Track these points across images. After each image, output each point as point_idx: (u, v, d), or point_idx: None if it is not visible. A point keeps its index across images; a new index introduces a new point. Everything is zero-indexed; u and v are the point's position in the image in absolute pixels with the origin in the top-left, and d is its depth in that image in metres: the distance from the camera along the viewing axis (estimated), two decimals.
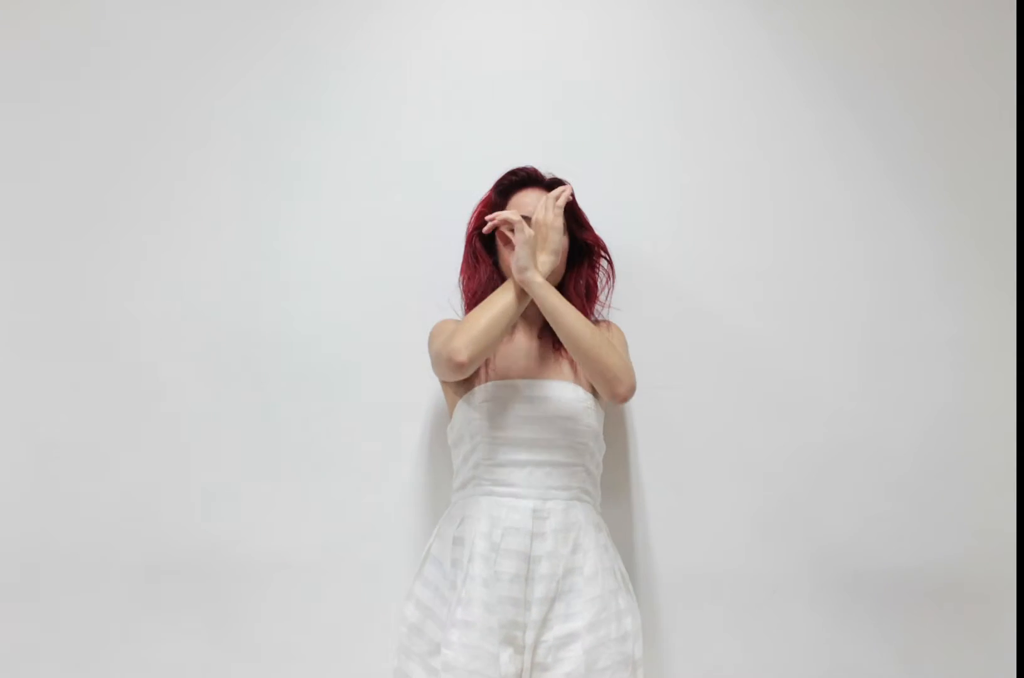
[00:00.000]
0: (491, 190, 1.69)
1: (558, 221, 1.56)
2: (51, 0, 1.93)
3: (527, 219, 1.59)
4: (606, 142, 1.91)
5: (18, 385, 1.87)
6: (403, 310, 1.85)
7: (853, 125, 1.92)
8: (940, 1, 1.95)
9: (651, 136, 1.91)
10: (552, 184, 1.66)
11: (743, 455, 1.85)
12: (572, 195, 1.61)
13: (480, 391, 1.59)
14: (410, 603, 1.61)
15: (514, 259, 1.53)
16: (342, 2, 1.94)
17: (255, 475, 1.84)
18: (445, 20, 1.93)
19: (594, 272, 1.71)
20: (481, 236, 1.67)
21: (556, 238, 1.56)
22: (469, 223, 1.70)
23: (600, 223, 1.71)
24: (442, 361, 1.53)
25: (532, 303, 1.57)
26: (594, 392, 1.63)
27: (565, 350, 1.61)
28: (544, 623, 1.52)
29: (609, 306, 1.75)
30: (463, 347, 1.48)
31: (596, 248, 1.70)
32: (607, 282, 1.73)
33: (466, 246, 1.70)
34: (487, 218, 1.57)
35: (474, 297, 1.66)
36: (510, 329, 1.56)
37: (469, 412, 1.59)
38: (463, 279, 1.70)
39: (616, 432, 1.81)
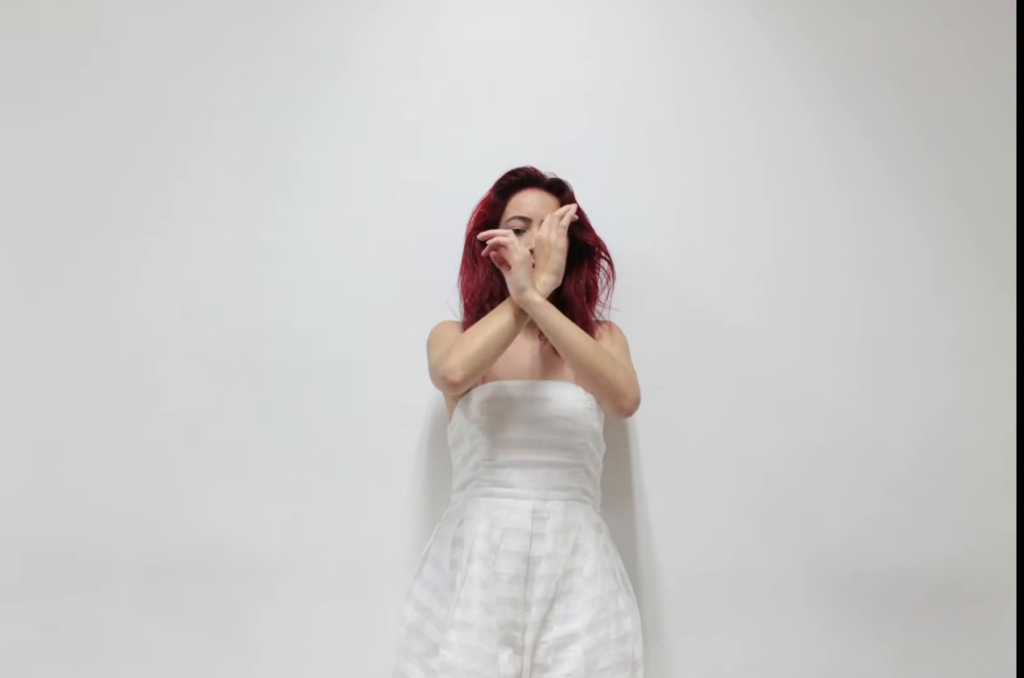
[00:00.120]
0: (491, 190, 1.68)
1: (561, 241, 1.55)
2: (51, 0, 1.93)
3: (524, 218, 1.59)
4: (606, 142, 1.91)
5: (18, 385, 1.87)
6: (403, 310, 1.85)
7: (852, 125, 1.92)
8: (940, 1, 1.95)
9: (651, 136, 1.91)
10: (552, 184, 1.66)
11: (743, 455, 1.85)
12: (578, 213, 1.61)
13: (480, 392, 1.59)
14: (409, 604, 1.61)
15: (511, 280, 1.52)
16: (342, 2, 1.94)
17: (255, 475, 1.84)
18: (445, 20, 1.93)
19: (594, 273, 1.71)
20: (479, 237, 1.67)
21: (558, 258, 1.55)
22: (469, 223, 1.69)
23: (600, 223, 1.71)
24: (436, 377, 1.53)
25: None
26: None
27: None
28: (544, 624, 1.52)
29: (609, 307, 1.75)
30: (458, 367, 1.48)
31: (596, 249, 1.70)
32: (607, 282, 1.73)
33: (465, 247, 1.70)
34: (480, 236, 1.56)
35: (472, 298, 1.66)
36: (507, 348, 1.54)
37: (469, 413, 1.59)
38: (462, 280, 1.70)
39: (616, 433, 1.81)
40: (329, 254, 1.89)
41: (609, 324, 1.73)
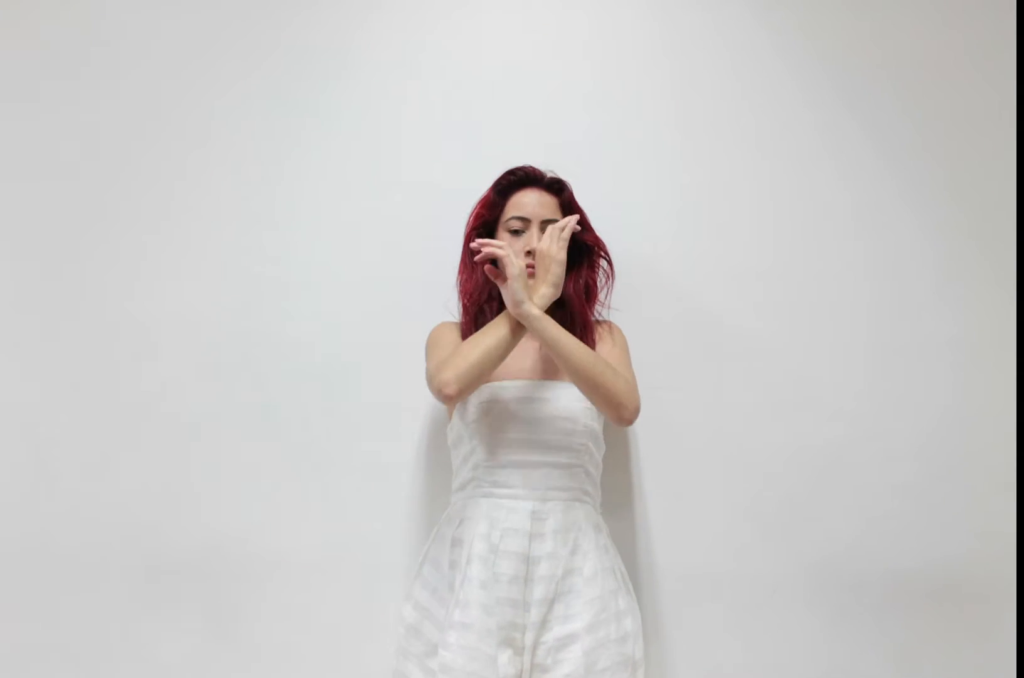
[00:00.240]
0: (490, 189, 1.68)
1: (561, 254, 1.53)
2: (51, 0, 1.93)
3: (523, 218, 1.59)
4: (606, 142, 1.91)
5: (18, 385, 1.87)
6: (403, 310, 1.85)
7: (853, 125, 1.92)
8: (940, 1, 1.95)
9: (651, 136, 1.91)
10: (551, 184, 1.65)
11: (743, 455, 1.85)
12: (578, 224, 1.61)
13: (479, 393, 1.58)
14: (408, 604, 1.61)
15: (507, 293, 1.51)
16: (342, 2, 1.94)
17: (255, 475, 1.84)
18: (445, 20, 1.93)
19: (593, 272, 1.70)
20: (479, 236, 1.65)
21: (557, 271, 1.53)
22: (468, 223, 1.69)
23: (600, 223, 1.71)
24: (432, 388, 1.52)
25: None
26: None
27: None
28: (543, 624, 1.52)
29: (608, 306, 1.75)
30: (452, 381, 1.48)
31: (596, 249, 1.69)
32: (606, 282, 1.72)
33: (464, 247, 1.69)
34: (473, 246, 1.55)
35: (471, 298, 1.66)
36: (504, 359, 1.54)
37: (468, 413, 1.59)
38: (460, 280, 1.69)
39: (616, 433, 1.81)
40: (329, 254, 1.89)
41: (609, 324, 1.72)
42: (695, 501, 1.84)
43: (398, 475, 1.84)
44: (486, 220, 1.66)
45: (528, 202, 1.63)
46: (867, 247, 1.90)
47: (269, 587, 1.83)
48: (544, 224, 1.62)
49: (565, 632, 1.51)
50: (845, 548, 1.84)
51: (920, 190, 1.91)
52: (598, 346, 1.65)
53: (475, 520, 1.56)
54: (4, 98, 1.92)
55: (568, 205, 1.66)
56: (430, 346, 1.64)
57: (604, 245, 1.70)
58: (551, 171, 1.68)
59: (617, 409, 1.52)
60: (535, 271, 1.56)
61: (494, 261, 1.56)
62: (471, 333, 1.62)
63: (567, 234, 1.54)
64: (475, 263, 1.66)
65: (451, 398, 1.50)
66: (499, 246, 1.51)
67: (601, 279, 1.72)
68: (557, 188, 1.66)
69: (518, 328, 1.53)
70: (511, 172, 1.66)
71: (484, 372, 1.50)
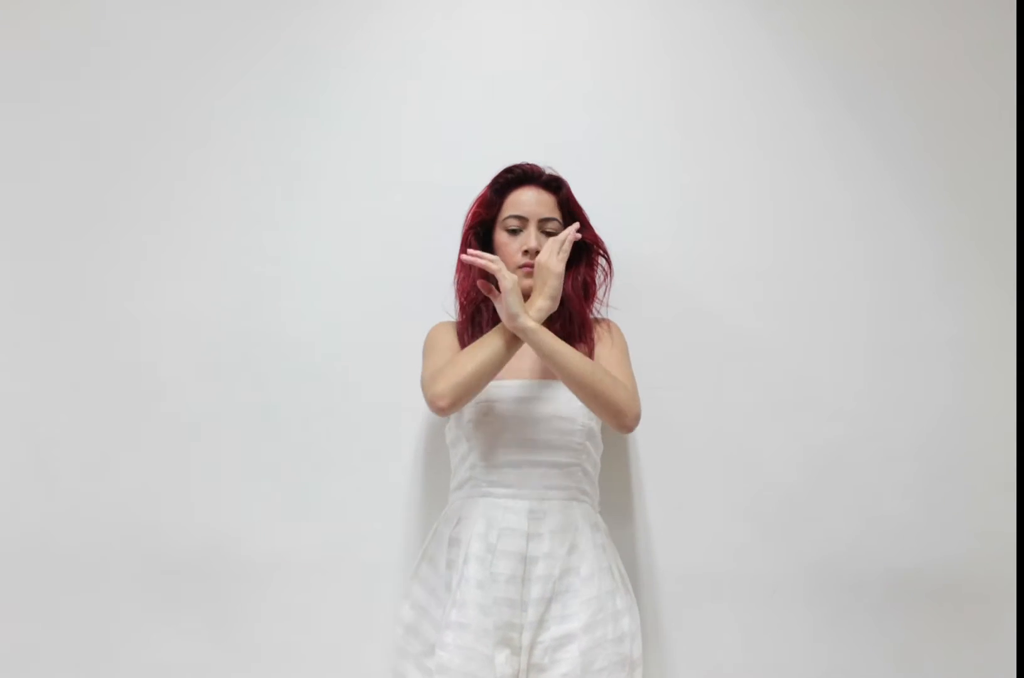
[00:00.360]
0: (487, 187, 1.67)
1: (560, 267, 1.51)
2: (51, 0, 1.93)
3: (520, 217, 1.59)
4: (606, 142, 1.91)
5: (18, 385, 1.87)
6: (403, 310, 1.85)
7: (853, 125, 1.92)
8: (940, 1, 1.95)
9: (651, 136, 1.91)
10: (549, 182, 1.65)
11: (743, 455, 1.85)
12: (577, 211, 1.60)
13: None
14: (406, 603, 1.61)
15: (502, 307, 1.49)
16: (342, 2, 1.93)
17: (254, 475, 1.84)
18: (445, 20, 1.93)
19: (592, 270, 1.70)
20: (476, 235, 1.65)
21: (555, 284, 1.51)
22: (465, 221, 1.68)
23: (599, 223, 1.70)
24: (426, 398, 1.52)
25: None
26: None
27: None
28: (540, 624, 1.52)
29: (607, 304, 1.74)
30: (446, 393, 1.47)
31: (594, 247, 1.69)
32: (605, 279, 1.72)
33: (462, 245, 1.68)
34: (463, 257, 1.52)
35: (467, 297, 1.65)
36: (498, 372, 1.52)
37: (466, 413, 1.59)
38: (457, 278, 1.69)
39: (615, 432, 1.80)
40: (329, 254, 1.89)
41: (608, 323, 1.71)
42: (695, 501, 1.84)
43: (397, 475, 1.84)
44: (483, 219, 1.65)
45: (526, 201, 1.62)
46: (867, 247, 1.90)
47: (268, 587, 1.83)
48: (542, 223, 1.62)
49: (562, 632, 1.51)
50: (845, 548, 1.84)
51: (920, 190, 1.91)
52: (597, 346, 1.65)
53: (473, 519, 1.56)
54: (4, 98, 1.92)
55: (566, 203, 1.65)
56: (426, 350, 1.64)
57: (603, 243, 1.70)
58: (549, 168, 1.67)
59: (617, 417, 1.52)
60: (533, 282, 1.54)
61: (487, 274, 1.55)
62: (468, 332, 1.62)
63: (568, 247, 1.53)
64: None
65: (444, 410, 1.49)
66: (490, 260, 1.49)
67: (600, 277, 1.71)
68: (555, 186, 1.65)
69: (514, 340, 1.51)
70: (508, 170, 1.65)
71: (478, 385, 1.50)
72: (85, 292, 1.88)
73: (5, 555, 1.83)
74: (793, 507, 1.85)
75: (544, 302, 1.52)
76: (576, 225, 1.56)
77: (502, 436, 1.56)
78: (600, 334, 1.67)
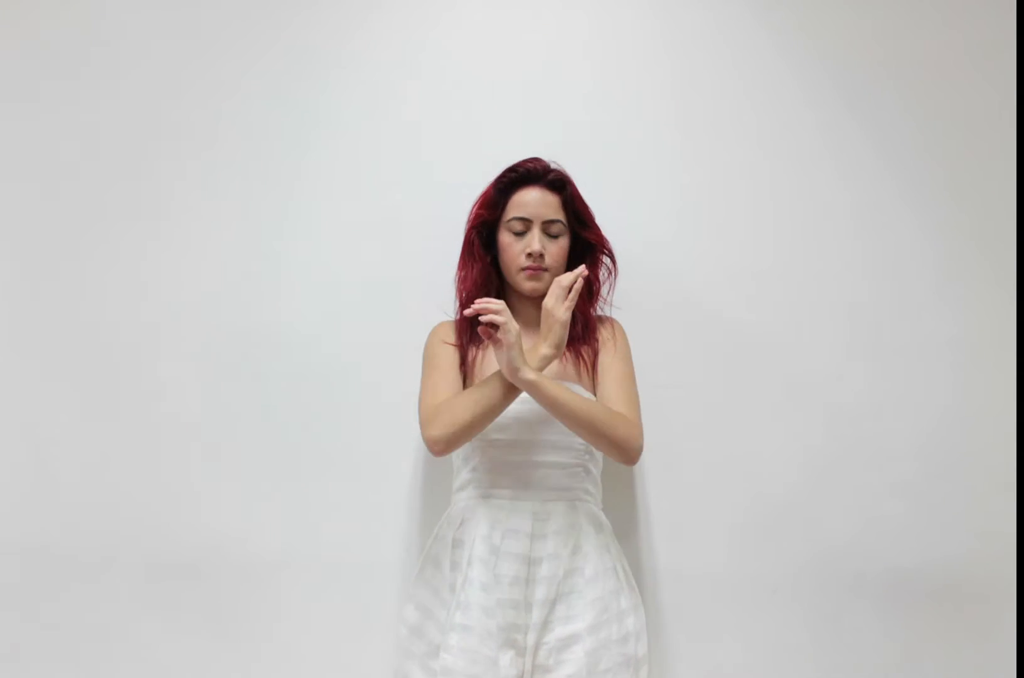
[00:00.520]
0: (491, 187, 1.65)
1: (566, 315, 1.48)
2: (51, 0, 1.93)
3: (524, 219, 1.58)
4: (607, 142, 1.90)
5: (18, 385, 1.87)
6: (403, 310, 1.85)
7: (853, 125, 1.92)
8: (940, 1, 1.95)
9: (652, 136, 1.91)
10: (553, 182, 1.62)
11: (743, 454, 1.85)
12: (580, 210, 1.59)
13: None
14: (410, 604, 1.61)
15: (502, 359, 1.46)
16: (342, 2, 1.93)
17: (255, 475, 1.84)
18: (445, 20, 1.93)
19: (596, 269, 1.68)
20: (479, 233, 1.64)
21: (561, 333, 1.49)
22: (468, 221, 1.68)
23: (600, 222, 1.70)
24: (422, 436, 1.51)
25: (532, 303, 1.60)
26: (593, 391, 1.62)
27: (565, 350, 1.60)
28: (545, 625, 1.52)
29: (611, 304, 1.74)
30: (442, 440, 1.48)
31: (599, 247, 1.68)
32: (608, 277, 1.70)
33: (464, 244, 1.67)
34: (467, 313, 1.47)
35: (469, 298, 1.64)
36: (496, 418, 1.51)
37: None
38: (458, 276, 1.68)
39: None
40: (329, 254, 1.89)
41: (612, 322, 1.70)
42: (695, 500, 1.84)
43: (398, 475, 1.84)
44: (486, 221, 1.64)
45: (529, 202, 1.61)
46: (867, 247, 1.90)
47: (269, 587, 1.83)
48: (546, 225, 1.60)
49: (567, 633, 1.51)
50: (845, 548, 1.84)
51: (920, 190, 1.91)
52: (601, 353, 1.63)
53: (476, 521, 1.56)
54: (4, 98, 1.92)
55: (571, 202, 1.63)
56: (426, 363, 1.63)
57: (608, 243, 1.69)
58: (554, 162, 1.65)
59: (620, 454, 1.52)
60: (541, 327, 1.52)
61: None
62: (467, 332, 1.61)
63: (575, 296, 1.49)
64: (474, 261, 1.64)
65: (439, 454, 1.50)
66: (496, 310, 1.45)
67: (604, 274, 1.70)
68: (559, 186, 1.62)
69: (513, 389, 1.49)
70: (512, 169, 1.63)
71: (474, 432, 1.50)
72: (86, 291, 1.88)
73: (5, 555, 1.84)
74: (793, 506, 1.85)
75: (548, 350, 1.50)
76: (583, 268, 1.52)
77: (504, 437, 1.56)
78: (604, 337, 1.66)
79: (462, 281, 1.67)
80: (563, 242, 1.62)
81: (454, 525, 1.59)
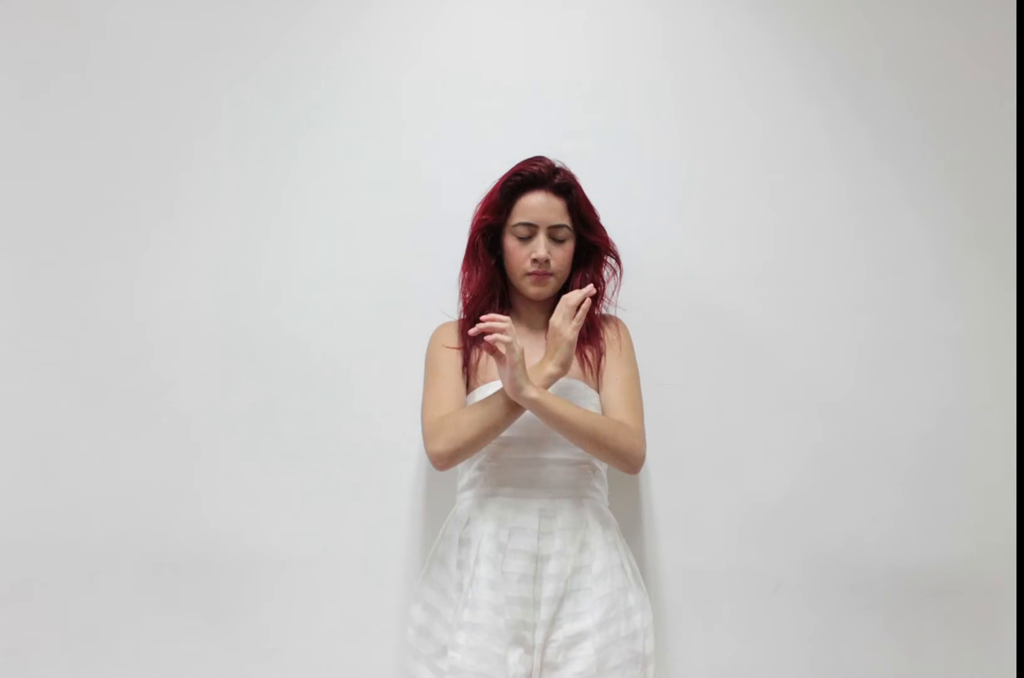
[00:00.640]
0: (496, 191, 1.62)
1: (573, 335, 1.48)
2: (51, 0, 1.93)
3: (529, 224, 1.58)
4: (608, 141, 1.90)
5: (19, 382, 1.86)
6: (405, 308, 1.86)
7: (855, 124, 1.92)
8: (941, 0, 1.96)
9: (653, 135, 1.91)
10: (559, 186, 1.60)
11: (745, 452, 1.86)
12: (585, 211, 1.59)
13: (484, 391, 1.58)
14: (417, 604, 1.61)
15: (506, 378, 1.46)
16: (341, 2, 1.93)
17: (257, 472, 1.84)
18: (446, 20, 1.93)
19: (600, 269, 1.68)
20: (484, 236, 1.63)
21: (567, 352, 1.49)
22: (472, 224, 1.66)
23: (602, 221, 1.70)
24: (425, 449, 1.52)
25: (537, 308, 1.62)
26: (598, 390, 1.62)
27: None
28: (553, 622, 1.51)
29: (616, 305, 1.73)
30: (444, 456, 1.49)
31: (604, 249, 1.67)
32: (612, 275, 1.69)
33: (468, 246, 1.66)
34: (472, 332, 1.47)
35: (473, 300, 1.64)
36: (499, 434, 1.52)
37: None
38: (462, 278, 1.67)
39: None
40: (330, 254, 1.89)
41: (616, 322, 1.70)
42: (696, 498, 1.85)
43: (400, 472, 1.84)
44: (490, 225, 1.62)
45: (535, 207, 1.59)
46: (868, 246, 1.91)
47: (270, 585, 1.83)
48: (552, 230, 1.59)
49: (575, 630, 1.51)
50: (847, 545, 1.85)
51: (922, 188, 1.92)
52: (606, 356, 1.63)
53: (483, 519, 1.55)
54: (7, 96, 1.91)
55: (576, 206, 1.61)
56: (428, 369, 1.62)
57: (613, 245, 1.68)
58: (559, 161, 1.63)
59: (622, 464, 1.53)
60: (547, 344, 1.52)
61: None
62: (471, 336, 1.61)
63: (582, 314, 1.50)
64: (478, 263, 1.63)
65: (442, 469, 1.52)
66: (502, 329, 1.45)
67: (607, 273, 1.69)
68: (565, 189, 1.60)
69: (516, 407, 1.50)
70: (517, 172, 1.60)
71: (477, 448, 1.51)
72: (86, 289, 1.87)
73: (6, 553, 1.83)
74: (794, 504, 1.86)
75: (554, 369, 1.50)
76: (591, 288, 1.52)
77: (510, 435, 1.55)
78: (609, 337, 1.66)
79: (466, 282, 1.66)
80: (568, 246, 1.62)
81: (460, 524, 1.59)
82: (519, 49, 1.92)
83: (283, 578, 1.83)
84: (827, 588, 1.85)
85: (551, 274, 1.60)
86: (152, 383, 1.86)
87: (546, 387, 1.49)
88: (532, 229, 1.59)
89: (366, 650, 1.81)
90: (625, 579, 1.58)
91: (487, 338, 1.45)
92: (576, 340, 1.50)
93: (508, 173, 1.62)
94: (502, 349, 1.44)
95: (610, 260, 1.69)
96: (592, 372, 1.62)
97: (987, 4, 1.95)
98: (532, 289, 1.61)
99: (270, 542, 1.83)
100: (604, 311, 1.72)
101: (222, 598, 1.83)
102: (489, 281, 1.64)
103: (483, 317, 1.48)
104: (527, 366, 1.54)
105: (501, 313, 1.64)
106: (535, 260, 1.58)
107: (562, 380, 1.58)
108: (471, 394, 1.60)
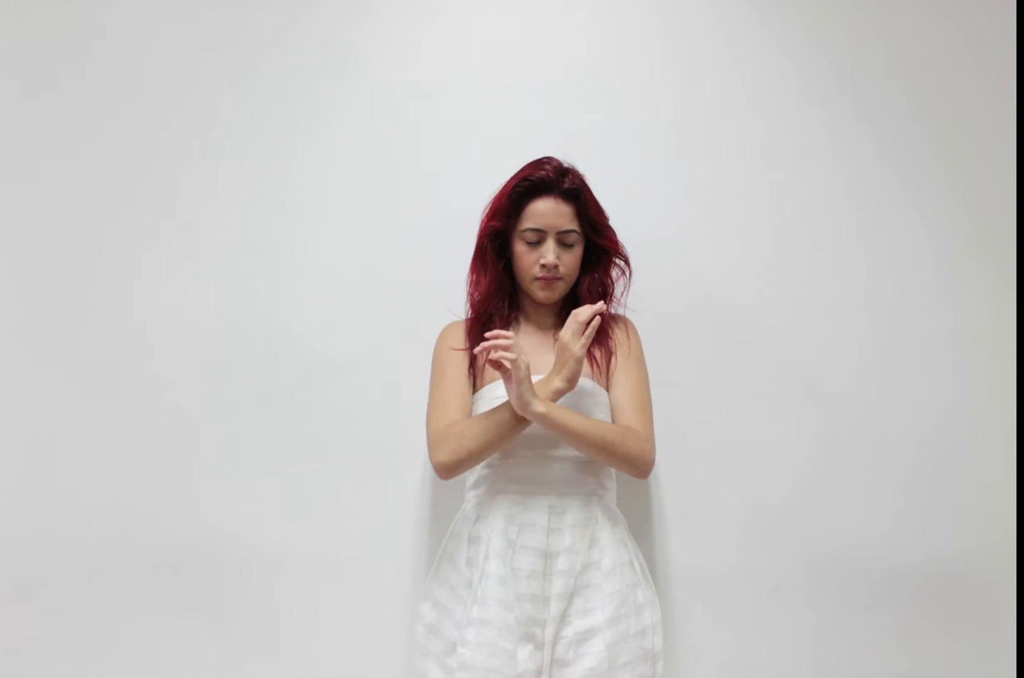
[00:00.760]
0: (504, 196, 1.59)
1: (582, 352, 1.48)
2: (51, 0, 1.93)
3: (538, 230, 1.57)
4: (608, 141, 1.90)
5: (18, 382, 1.86)
6: (406, 307, 1.86)
7: (855, 123, 1.92)
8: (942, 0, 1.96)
9: (654, 134, 1.91)
10: (568, 192, 1.59)
11: (746, 450, 1.86)
12: (594, 215, 1.59)
13: (492, 389, 1.58)
14: (426, 602, 1.61)
15: (512, 394, 1.46)
16: (344, 1, 1.93)
17: (258, 471, 1.84)
18: (446, 20, 1.93)
19: (609, 272, 1.68)
20: (492, 240, 1.62)
21: (574, 367, 1.49)
22: (480, 229, 1.64)
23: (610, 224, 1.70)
24: (429, 458, 1.53)
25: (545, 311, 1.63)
26: (607, 389, 1.63)
27: None
28: (563, 619, 1.52)
29: (625, 305, 1.73)
30: (448, 466, 1.50)
31: (612, 252, 1.66)
32: (621, 275, 1.69)
33: (476, 250, 1.65)
34: (475, 351, 1.48)
35: (481, 302, 1.64)
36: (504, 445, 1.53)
37: (481, 410, 1.57)
38: (470, 280, 1.66)
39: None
40: (330, 254, 1.89)
41: (625, 322, 1.70)
42: (697, 497, 1.85)
43: (400, 472, 1.84)
44: (497, 230, 1.61)
45: (544, 213, 1.58)
46: (868, 245, 1.91)
47: (270, 585, 1.83)
48: (561, 235, 1.59)
49: (585, 626, 1.51)
50: (848, 543, 1.86)
51: (922, 187, 1.92)
52: (615, 359, 1.63)
53: (492, 517, 1.56)
54: (7, 96, 1.91)
55: (585, 211, 1.60)
56: (435, 370, 1.62)
57: (622, 248, 1.67)
58: (567, 161, 1.62)
59: (632, 470, 1.54)
60: (555, 359, 1.52)
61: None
62: (477, 334, 1.60)
63: (591, 331, 1.49)
64: (486, 267, 1.63)
65: (446, 478, 1.53)
66: (506, 346, 1.44)
67: (615, 273, 1.69)
68: (574, 195, 1.59)
69: (522, 420, 1.50)
70: (526, 177, 1.58)
71: (480, 460, 1.53)
72: (86, 289, 1.88)
73: (6, 552, 1.83)
74: (794, 504, 1.86)
75: (562, 384, 1.50)
76: (601, 304, 1.52)
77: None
78: (618, 338, 1.66)
79: (474, 285, 1.66)
80: (577, 250, 1.62)
81: (469, 522, 1.59)
82: (519, 49, 1.92)
83: (283, 578, 1.83)
84: (827, 588, 1.85)
85: (559, 278, 1.60)
86: (152, 383, 1.86)
87: (554, 400, 1.50)
88: (541, 235, 1.58)
89: (366, 650, 1.81)
90: (634, 576, 1.58)
91: (491, 357, 1.45)
92: (584, 357, 1.51)
93: (516, 177, 1.60)
94: (507, 365, 1.44)
95: (619, 262, 1.69)
96: (601, 371, 1.62)
97: (987, 5, 1.95)
98: (541, 293, 1.62)
99: (270, 542, 1.83)
100: (612, 311, 1.71)
101: (222, 598, 1.83)
102: (498, 285, 1.64)
103: (487, 334, 1.47)
104: (535, 366, 1.54)
105: (509, 315, 1.64)
106: (544, 265, 1.58)
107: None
108: (478, 393, 1.61)
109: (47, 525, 1.84)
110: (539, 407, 1.46)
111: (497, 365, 1.46)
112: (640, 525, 1.81)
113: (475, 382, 1.62)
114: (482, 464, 1.60)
